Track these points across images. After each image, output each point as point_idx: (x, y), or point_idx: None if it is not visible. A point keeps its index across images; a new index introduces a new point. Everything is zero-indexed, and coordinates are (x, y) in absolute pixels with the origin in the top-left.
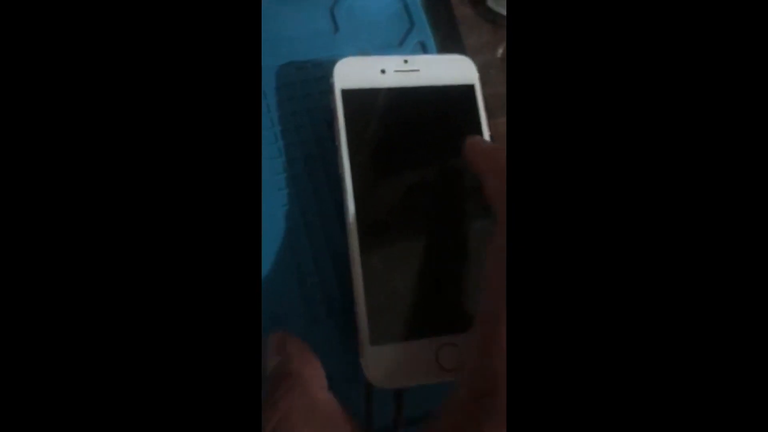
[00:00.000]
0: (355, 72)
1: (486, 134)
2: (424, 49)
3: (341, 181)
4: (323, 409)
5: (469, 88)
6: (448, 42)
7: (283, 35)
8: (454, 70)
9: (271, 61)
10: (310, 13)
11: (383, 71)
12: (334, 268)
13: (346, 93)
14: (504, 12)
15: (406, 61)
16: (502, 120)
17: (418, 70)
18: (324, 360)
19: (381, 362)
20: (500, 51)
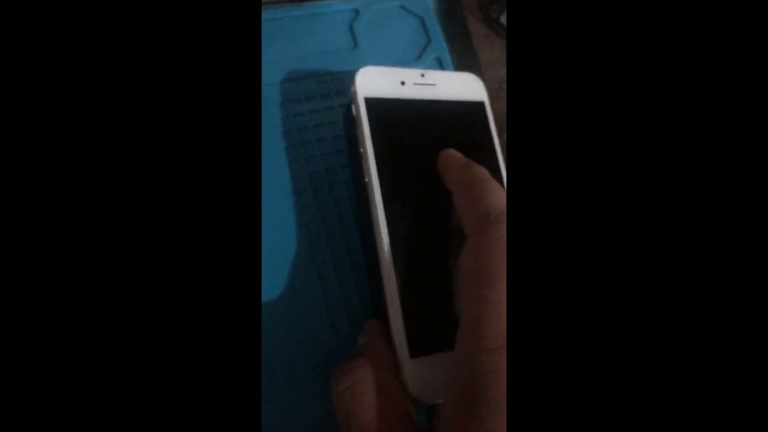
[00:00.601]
0: (376, 81)
1: (497, 148)
2: (440, 64)
3: (367, 188)
4: (385, 385)
5: (480, 105)
6: (463, 57)
7: (304, 50)
8: (466, 87)
9: (292, 75)
10: (330, 28)
11: (403, 83)
12: (354, 277)
13: (369, 101)
14: None
15: (422, 75)
16: None
17: (434, 84)
18: None
19: (422, 375)
20: None
